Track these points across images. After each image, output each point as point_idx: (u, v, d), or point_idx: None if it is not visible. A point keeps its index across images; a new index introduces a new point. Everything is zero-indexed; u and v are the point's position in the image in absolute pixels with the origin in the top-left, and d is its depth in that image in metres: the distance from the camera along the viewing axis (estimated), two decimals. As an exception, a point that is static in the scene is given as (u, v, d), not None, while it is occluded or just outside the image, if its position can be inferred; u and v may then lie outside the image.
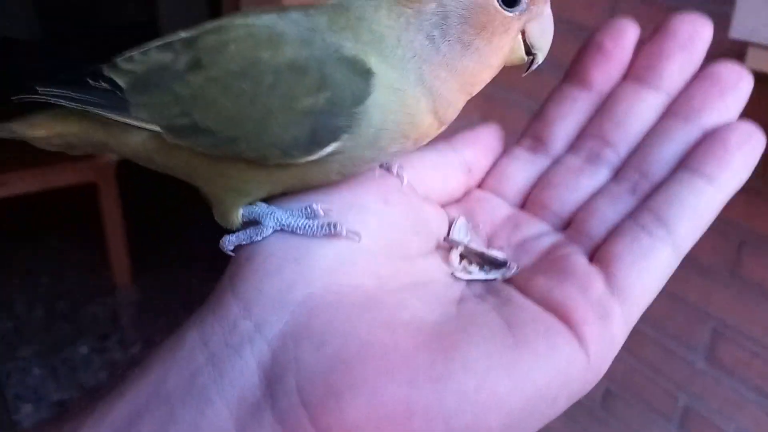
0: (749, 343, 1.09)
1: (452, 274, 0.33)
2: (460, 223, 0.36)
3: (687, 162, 0.32)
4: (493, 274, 0.33)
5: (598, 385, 0.30)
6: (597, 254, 0.31)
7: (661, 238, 0.30)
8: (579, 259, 0.31)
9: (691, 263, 1.05)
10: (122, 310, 2.28)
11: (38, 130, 0.36)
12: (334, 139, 0.30)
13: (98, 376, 1.98)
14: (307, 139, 0.29)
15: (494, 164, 0.39)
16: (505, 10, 0.31)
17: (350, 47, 0.30)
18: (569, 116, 0.37)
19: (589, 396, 0.31)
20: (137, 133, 0.33)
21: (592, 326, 0.28)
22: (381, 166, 0.34)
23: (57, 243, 2.55)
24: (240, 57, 0.30)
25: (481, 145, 0.39)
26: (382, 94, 0.30)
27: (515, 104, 1.38)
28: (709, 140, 0.31)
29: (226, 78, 0.30)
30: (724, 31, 0.75)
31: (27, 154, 2.14)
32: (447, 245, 0.34)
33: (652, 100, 0.34)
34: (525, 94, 1.35)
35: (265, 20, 0.31)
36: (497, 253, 0.33)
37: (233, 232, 0.32)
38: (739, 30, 0.71)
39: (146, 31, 3.94)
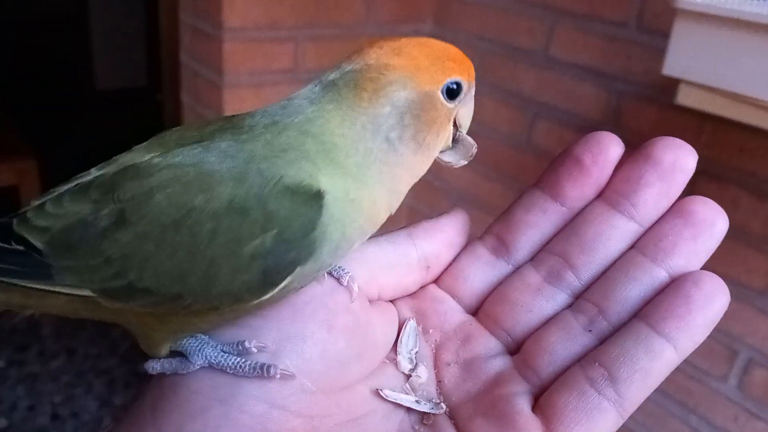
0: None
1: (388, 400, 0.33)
2: (410, 329, 0.35)
3: (647, 314, 0.30)
4: (424, 407, 0.32)
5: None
6: (542, 399, 0.30)
7: (608, 398, 0.29)
8: (521, 406, 0.30)
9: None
10: (43, 319, 2.17)
11: None
12: (289, 273, 0.28)
13: (16, 391, 1.88)
14: (259, 281, 0.28)
15: (454, 259, 0.37)
16: (448, 103, 0.32)
17: (293, 174, 0.28)
18: (536, 226, 0.35)
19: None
20: (60, 296, 0.30)
21: None
22: (330, 274, 0.32)
23: (-28, 247, 2.41)
24: (169, 206, 0.27)
25: (444, 238, 0.37)
26: (339, 209, 0.29)
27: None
28: (672, 293, 0.30)
29: (157, 232, 0.27)
30: (657, 63, 0.77)
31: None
32: (393, 356, 0.34)
33: (623, 229, 0.33)
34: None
35: (190, 157, 0.29)
36: (424, 407, 0.33)
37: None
38: (672, 67, 0.73)
39: (75, 24, 3.79)
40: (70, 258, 0.29)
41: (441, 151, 0.34)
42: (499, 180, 1.35)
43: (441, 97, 0.31)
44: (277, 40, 1.25)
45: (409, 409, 0.33)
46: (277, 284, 0.28)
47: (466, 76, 0.32)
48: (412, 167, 0.32)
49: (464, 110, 0.34)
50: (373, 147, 0.30)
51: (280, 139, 0.29)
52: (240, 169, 0.28)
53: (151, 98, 1.52)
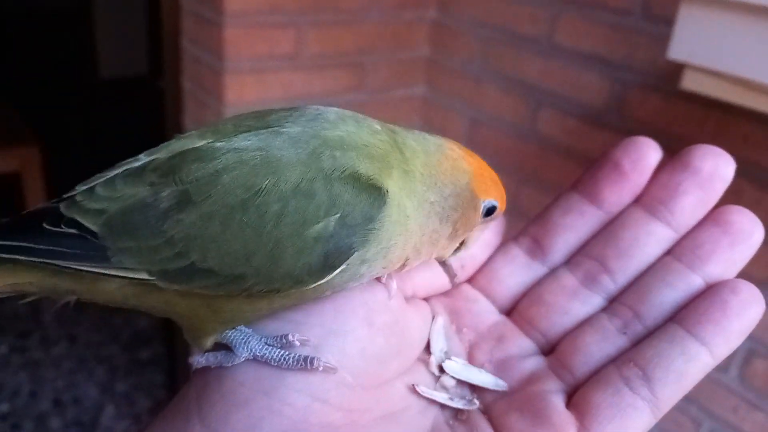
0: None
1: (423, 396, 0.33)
2: (440, 325, 0.35)
3: (683, 318, 0.31)
4: (458, 404, 0.33)
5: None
6: (576, 397, 0.31)
7: (643, 397, 0.29)
8: (556, 402, 0.31)
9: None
10: (44, 306, 2.18)
11: None
12: (347, 258, 0.29)
13: (18, 377, 1.89)
14: (320, 264, 0.28)
15: (489, 259, 0.38)
16: (482, 217, 0.35)
17: (366, 167, 0.29)
18: (573, 229, 0.36)
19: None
20: (113, 280, 0.30)
21: None
22: None
23: (-25, 234, 2.41)
24: (237, 188, 0.28)
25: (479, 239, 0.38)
26: (396, 213, 0.30)
27: (456, 110, 1.38)
28: (708, 299, 0.30)
29: (224, 212, 0.28)
30: (662, 52, 0.76)
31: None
32: (426, 357, 0.35)
33: (660, 235, 0.33)
34: (466, 102, 1.36)
35: (256, 142, 0.29)
36: (458, 403, 0.33)
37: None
38: (677, 51, 0.72)
39: (79, 13, 3.77)
40: (129, 239, 0.29)
41: (442, 261, 0.36)
42: (502, 169, 1.34)
43: (481, 208, 0.34)
44: (278, 25, 1.24)
45: (443, 406, 0.33)
46: (335, 267, 0.28)
47: (503, 206, 0.35)
48: (437, 243, 0.33)
49: (477, 233, 0.36)
50: (435, 204, 0.32)
51: (365, 135, 0.30)
52: (310, 154, 0.29)
53: (153, 85, 1.51)
